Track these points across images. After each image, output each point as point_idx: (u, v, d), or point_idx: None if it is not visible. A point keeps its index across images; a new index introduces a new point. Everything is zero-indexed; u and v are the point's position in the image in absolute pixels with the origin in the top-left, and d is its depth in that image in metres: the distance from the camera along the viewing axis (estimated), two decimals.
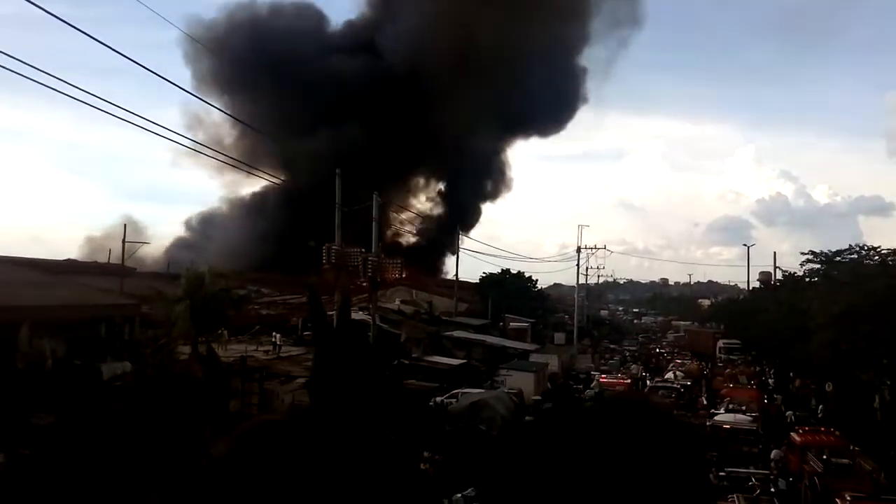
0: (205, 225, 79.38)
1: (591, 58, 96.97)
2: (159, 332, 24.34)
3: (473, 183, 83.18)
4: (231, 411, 22.82)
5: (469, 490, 14.07)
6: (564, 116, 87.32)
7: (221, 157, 34.37)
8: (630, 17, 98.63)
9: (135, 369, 21.60)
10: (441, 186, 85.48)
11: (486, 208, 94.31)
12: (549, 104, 78.24)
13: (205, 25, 70.79)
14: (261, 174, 41.92)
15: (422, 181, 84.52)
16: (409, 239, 69.43)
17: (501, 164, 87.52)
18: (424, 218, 77.74)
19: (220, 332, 27.10)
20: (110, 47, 11.69)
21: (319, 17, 79.15)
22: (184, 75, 77.80)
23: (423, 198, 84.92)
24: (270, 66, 65.82)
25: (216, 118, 68.06)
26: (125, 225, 42.02)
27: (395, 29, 70.64)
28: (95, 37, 11.37)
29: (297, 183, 52.95)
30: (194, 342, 21.95)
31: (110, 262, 42.70)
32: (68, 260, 49.49)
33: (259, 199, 71.68)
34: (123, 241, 38.87)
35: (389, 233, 56.75)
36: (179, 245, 74.74)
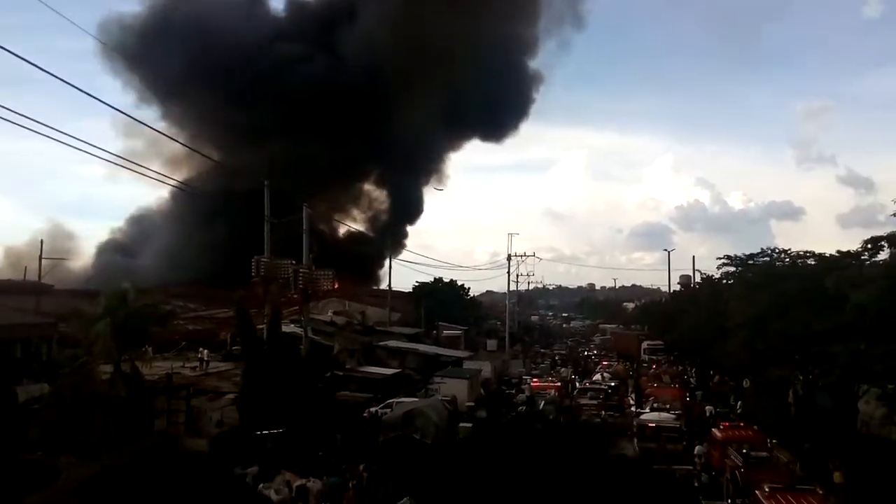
0: (136, 227, 75.75)
1: (537, 64, 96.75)
2: (79, 351, 23.25)
3: (415, 183, 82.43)
4: (156, 430, 22.02)
5: (405, 500, 13.99)
6: (510, 120, 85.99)
7: (137, 169, 32.99)
8: (574, 18, 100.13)
9: (53, 390, 20.55)
10: (382, 193, 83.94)
11: (422, 218, 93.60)
12: (497, 106, 77.80)
13: (131, 28, 66.89)
14: (176, 183, 40.36)
15: (365, 187, 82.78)
16: (346, 247, 68.47)
17: (441, 167, 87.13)
18: (367, 223, 76.62)
19: (144, 349, 26.17)
20: (28, 61, 11.09)
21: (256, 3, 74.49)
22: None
23: (365, 204, 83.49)
24: (208, 64, 61.64)
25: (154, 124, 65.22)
26: (41, 241, 40.10)
27: (351, 28, 67.63)
28: (9, 48, 10.77)
29: (234, 190, 50.77)
30: (117, 361, 21.08)
31: (26, 279, 40.60)
32: None
33: (191, 205, 67.68)
34: (40, 258, 37.06)
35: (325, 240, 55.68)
36: (109, 249, 71.52)
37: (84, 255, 72.52)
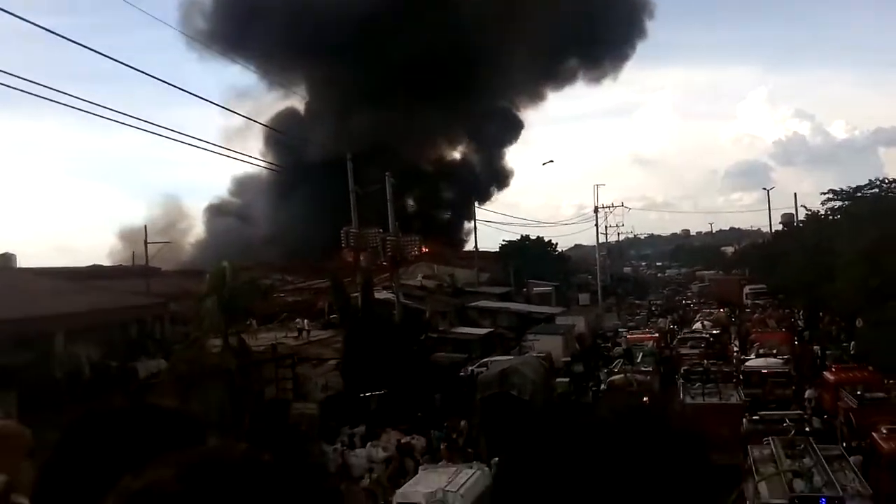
0: (242, 191, 78.59)
1: None
2: (190, 328, 24.75)
3: (499, 140, 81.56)
4: (267, 399, 23.28)
5: (495, 460, 14.27)
6: (611, 58, 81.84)
7: (222, 152, 34.52)
8: None
9: (169, 366, 22.05)
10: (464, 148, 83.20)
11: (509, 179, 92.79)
12: (598, 39, 75.17)
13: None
14: (251, 160, 41.84)
15: (453, 153, 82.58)
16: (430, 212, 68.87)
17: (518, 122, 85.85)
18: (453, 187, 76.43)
19: (248, 322, 27.59)
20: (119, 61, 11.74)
21: None
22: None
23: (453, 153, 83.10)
24: (299, 37, 61.71)
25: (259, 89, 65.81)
26: (145, 226, 42.51)
27: None
28: (100, 48, 11.44)
29: (321, 162, 51.88)
30: (225, 335, 22.33)
31: (135, 264, 43.39)
32: (93, 266, 50.28)
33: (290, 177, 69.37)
34: (146, 243, 39.44)
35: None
36: (214, 213, 74.94)
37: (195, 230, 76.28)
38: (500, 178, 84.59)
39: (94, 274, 40.88)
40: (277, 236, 66.78)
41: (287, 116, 69.00)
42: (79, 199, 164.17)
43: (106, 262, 56.92)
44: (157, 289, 33.32)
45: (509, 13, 65.21)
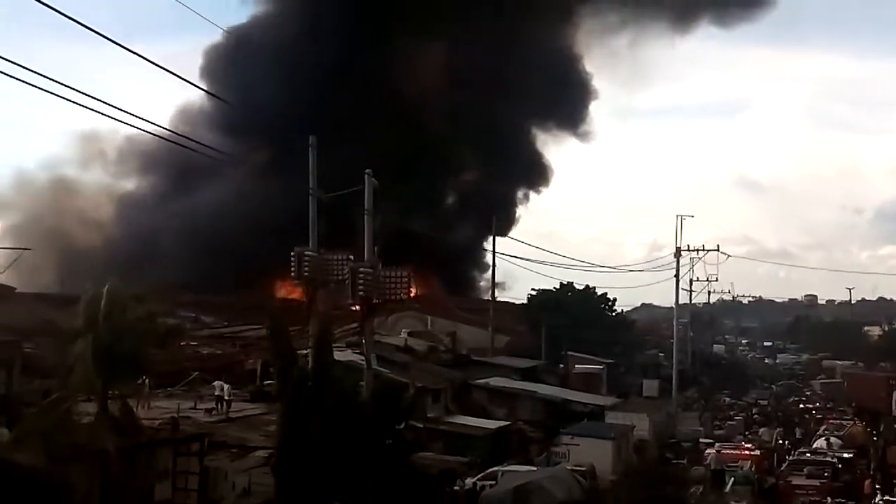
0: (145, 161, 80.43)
1: None
2: (50, 382, 24.59)
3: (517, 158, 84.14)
4: (156, 502, 23.04)
5: None
6: None
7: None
8: None
9: (13, 437, 21.88)
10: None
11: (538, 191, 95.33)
12: None
13: None
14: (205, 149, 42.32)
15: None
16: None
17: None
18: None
19: (139, 381, 27.36)
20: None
21: None
22: None
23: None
24: None
25: None
26: None
27: None
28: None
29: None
30: (102, 398, 22.17)
31: None
32: None
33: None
34: None
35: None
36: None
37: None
38: (534, 176, 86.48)
39: None
40: (194, 247, 67.09)
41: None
42: None
43: None
44: (5, 320, 33.27)
45: None
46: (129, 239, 71.41)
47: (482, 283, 77.59)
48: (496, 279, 58.99)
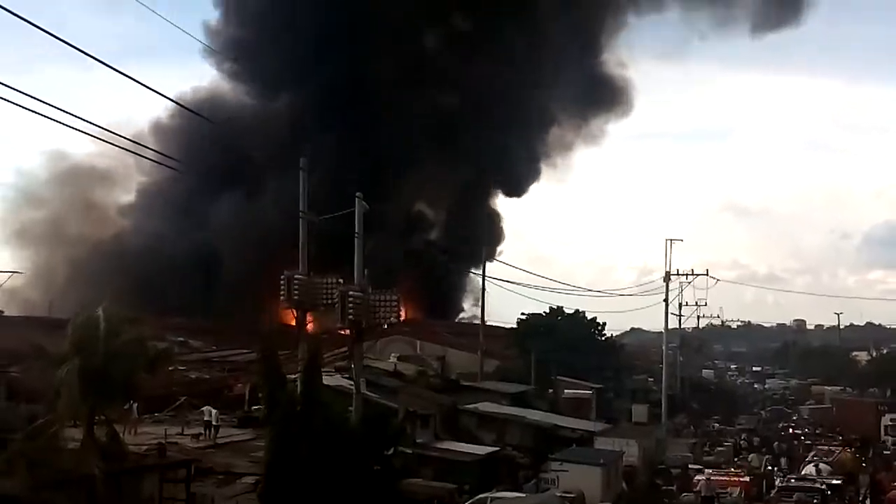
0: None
1: None
2: (36, 407, 24.45)
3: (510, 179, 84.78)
4: None
5: None
6: None
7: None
8: None
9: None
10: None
11: (528, 211, 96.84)
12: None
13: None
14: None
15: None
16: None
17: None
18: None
19: (127, 406, 27.24)
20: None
21: None
22: None
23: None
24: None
25: None
26: None
27: None
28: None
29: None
30: (88, 422, 22.05)
31: None
32: None
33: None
34: None
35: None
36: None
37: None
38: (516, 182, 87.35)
39: None
40: (183, 268, 67.23)
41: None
42: None
43: None
44: None
45: None
46: (117, 261, 71.42)
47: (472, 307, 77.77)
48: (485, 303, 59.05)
